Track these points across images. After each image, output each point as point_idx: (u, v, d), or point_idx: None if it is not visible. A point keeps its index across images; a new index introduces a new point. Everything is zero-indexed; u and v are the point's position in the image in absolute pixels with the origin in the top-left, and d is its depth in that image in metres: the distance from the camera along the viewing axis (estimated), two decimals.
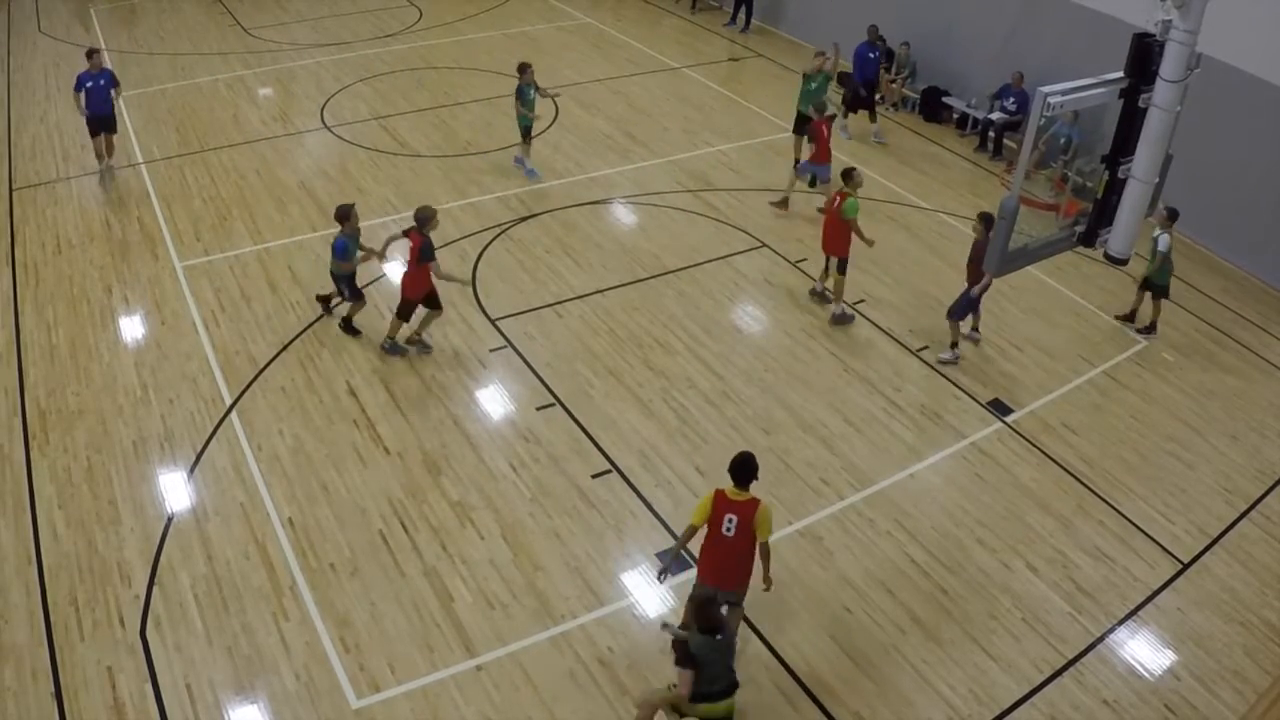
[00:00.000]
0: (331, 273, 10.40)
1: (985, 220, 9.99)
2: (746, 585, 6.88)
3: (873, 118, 16.03)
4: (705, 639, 6.04)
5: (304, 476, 8.81)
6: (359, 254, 10.32)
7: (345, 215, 10.13)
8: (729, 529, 6.62)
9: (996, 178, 15.06)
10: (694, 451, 9.31)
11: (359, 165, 14.28)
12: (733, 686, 6.26)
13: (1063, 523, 8.85)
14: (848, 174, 10.93)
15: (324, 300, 10.89)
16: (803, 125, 14.09)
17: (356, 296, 10.49)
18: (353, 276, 10.36)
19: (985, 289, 10.47)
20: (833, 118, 13.18)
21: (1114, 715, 7.17)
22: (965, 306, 10.59)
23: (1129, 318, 11.68)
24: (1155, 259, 10.99)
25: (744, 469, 6.66)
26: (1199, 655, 7.68)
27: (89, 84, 12.89)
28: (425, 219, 9.80)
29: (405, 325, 10.28)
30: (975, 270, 10.34)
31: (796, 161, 14.49)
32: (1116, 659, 7.61)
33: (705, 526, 6.70)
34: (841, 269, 11.13)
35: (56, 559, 7.89)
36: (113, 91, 13.11)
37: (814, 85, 13.92)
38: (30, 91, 16.45)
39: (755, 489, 6.75)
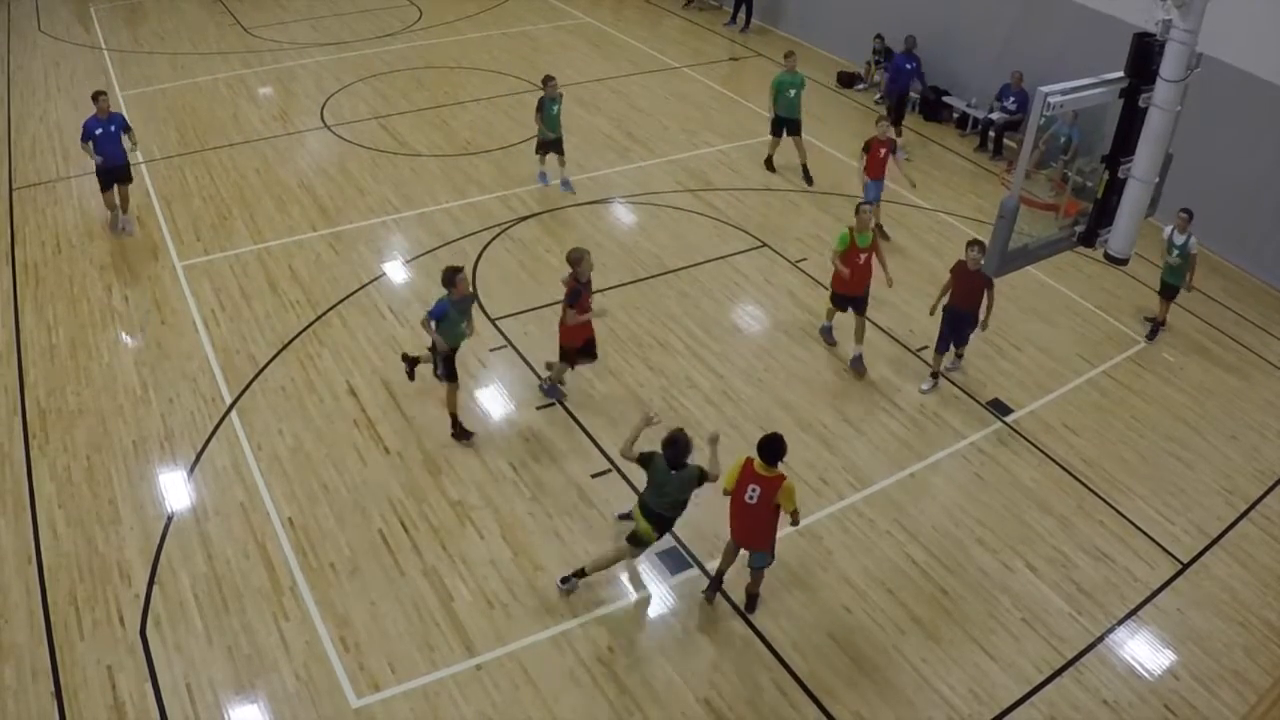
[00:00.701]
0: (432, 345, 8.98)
1: (980, 247, 9.53)
2: (771, 548, 7.47)
3: (897, 130, 15.53)
4: (665, 467, 7.23)
5: (304, 476, 8.81)
6: (465, 326, 8.94)
7: (451, 280, 8.66)
8: (751, 497, 7.15)
9: (997, 177, 15.06)
10: (695, 452, 9.29)
11: (359, 164, 14.28)
12: (664, 522, 7.43)
13: (1062, 523, 8.85)
14: (857, 210, 10.29)
15: (411, 361, 9.63)
16: (781, 127, 14.28)
17: (450, 375, 8.99)
18: (451, 354, 8.93)
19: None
20: (893, 142, 12.52)
21: (1114, 715, 7.17)
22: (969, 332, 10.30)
23: (1161, 323, 11.66)
24: (1188, 262, 10.99)
25: (769, 448, 7.08)
26: (1198, 655, 7.68)
27: (98, 131, 11.54)
28: (574, 260, 9.08)
29: (568, 369, 9.76)
30: (973, 293, 9.88)
31: (768, 159, 14.69)
32: (1116, 659, 7.61)
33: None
34: (847, 306, 10.52)
35: (56, 558, 7.89)
36: (125, 137, 11.88)
37: (793, 94, 13.99)
38: (30, 91, 16.45)
39: None
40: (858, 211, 10.21)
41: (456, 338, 8.93)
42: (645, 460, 7.35)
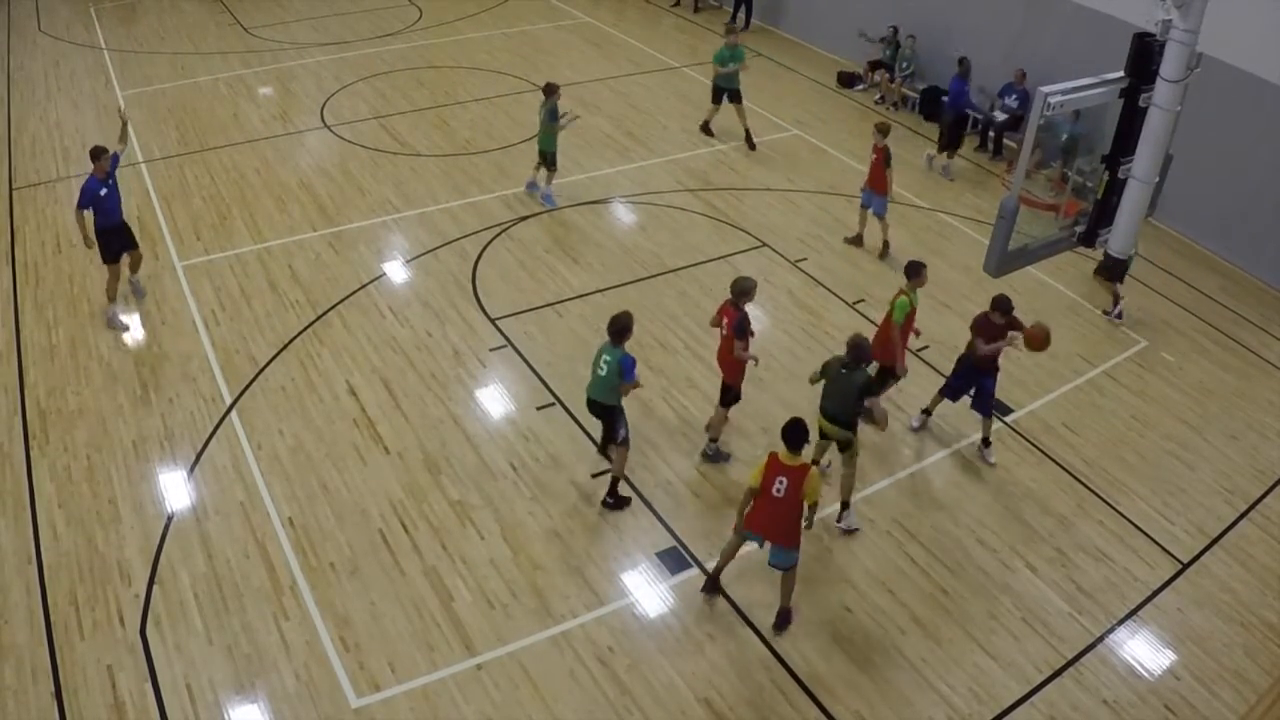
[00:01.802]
0: (596, 403, 8.31)
1: (1001, 304, 9.03)
2: (794, 543, 7.32)
3: (951, 154, 15.12)
4: (839, 368, 8.09)
5: (304, 476, 8.81)
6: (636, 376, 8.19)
7: (627, 328, 8.01)
8: (779, 490, 7.06)
9: (997, 177, 15.06)
10: (694, 451, 9.30)
11: (359, 164, 14.28)
12: (834, 420, 8.23)
13: (1062, 522, 8.85)
14: (913, 268, 9.25)
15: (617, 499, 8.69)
16: (721, 95, 15.13)
17: (625, 439, 8.36)
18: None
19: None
20: (886, 149, 12.04)
21: (1114, 715, 7.17)
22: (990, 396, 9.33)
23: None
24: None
25: (796, 432, 7.05)
26: (1199, 655, 7.68)
27: (101, 192, 10.04)
28: (743, 290, 8.53)
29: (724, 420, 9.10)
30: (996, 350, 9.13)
31: (705, 125, 15.58)
32: (1116, 659, 7.61)
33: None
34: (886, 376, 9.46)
35: (56, 558, 7.90)
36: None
37: (730, 65, 14.83)
38: (30, 90, 16.45)
39: None
40: (916, 273, 9.22)
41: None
42: (824, 367, 8.26)
